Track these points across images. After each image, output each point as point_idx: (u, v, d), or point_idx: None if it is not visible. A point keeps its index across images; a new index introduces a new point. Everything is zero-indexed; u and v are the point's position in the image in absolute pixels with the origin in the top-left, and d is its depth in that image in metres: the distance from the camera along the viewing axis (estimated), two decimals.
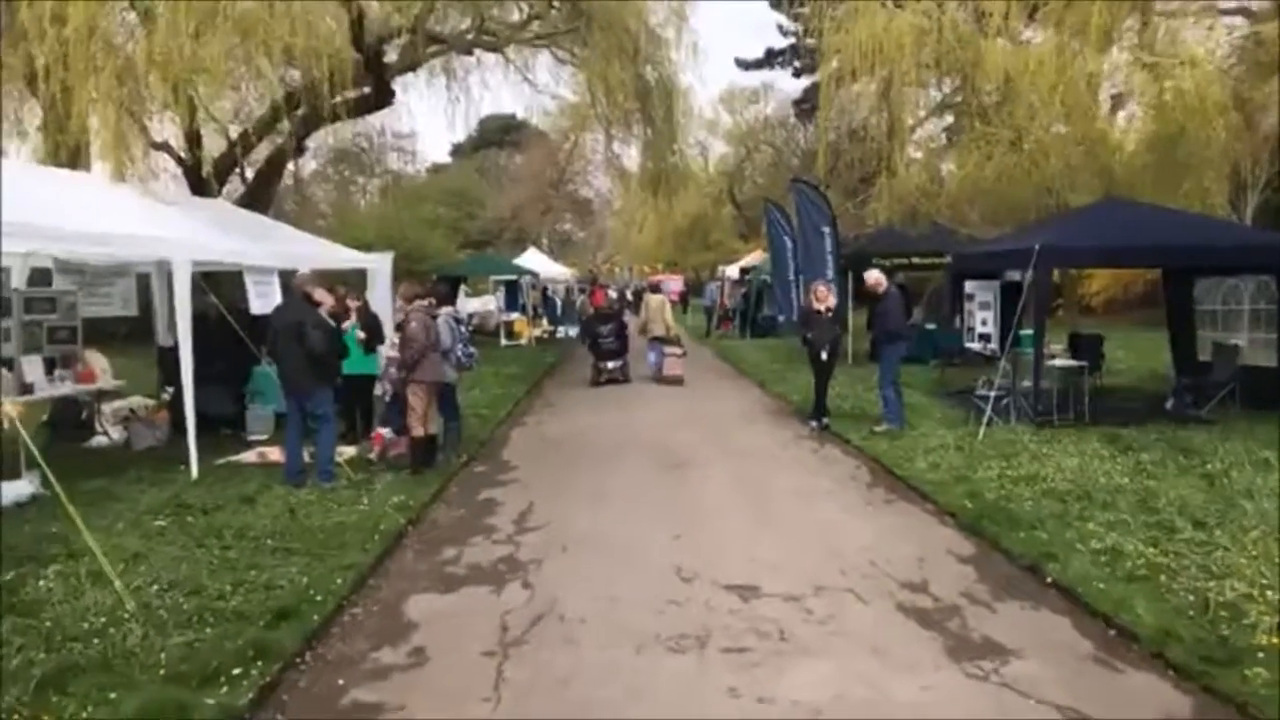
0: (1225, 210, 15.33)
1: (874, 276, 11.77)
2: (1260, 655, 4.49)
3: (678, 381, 17.29)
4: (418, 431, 9.10)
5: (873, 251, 18.85)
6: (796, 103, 45.90)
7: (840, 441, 11.16)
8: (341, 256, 13.76)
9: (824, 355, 11.82)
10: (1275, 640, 4.63)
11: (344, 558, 6.38)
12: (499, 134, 59.12)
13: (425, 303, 9.18)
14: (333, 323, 9.19)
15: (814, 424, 12.13)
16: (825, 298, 11.92)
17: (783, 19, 45.28)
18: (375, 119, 24.76)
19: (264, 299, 9.81)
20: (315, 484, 8.46)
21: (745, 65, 47.92)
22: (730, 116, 50.73)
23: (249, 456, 9.98)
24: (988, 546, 6.69)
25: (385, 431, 9.55)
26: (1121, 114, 17.59)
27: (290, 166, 36.22)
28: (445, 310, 9.65)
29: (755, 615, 5.39)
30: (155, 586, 5.62)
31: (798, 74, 46.22)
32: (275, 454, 9.61)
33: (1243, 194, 18.97)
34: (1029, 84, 14.17)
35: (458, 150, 61.89)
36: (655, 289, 20.76)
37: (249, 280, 9.91)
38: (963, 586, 5.88)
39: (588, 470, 9.74)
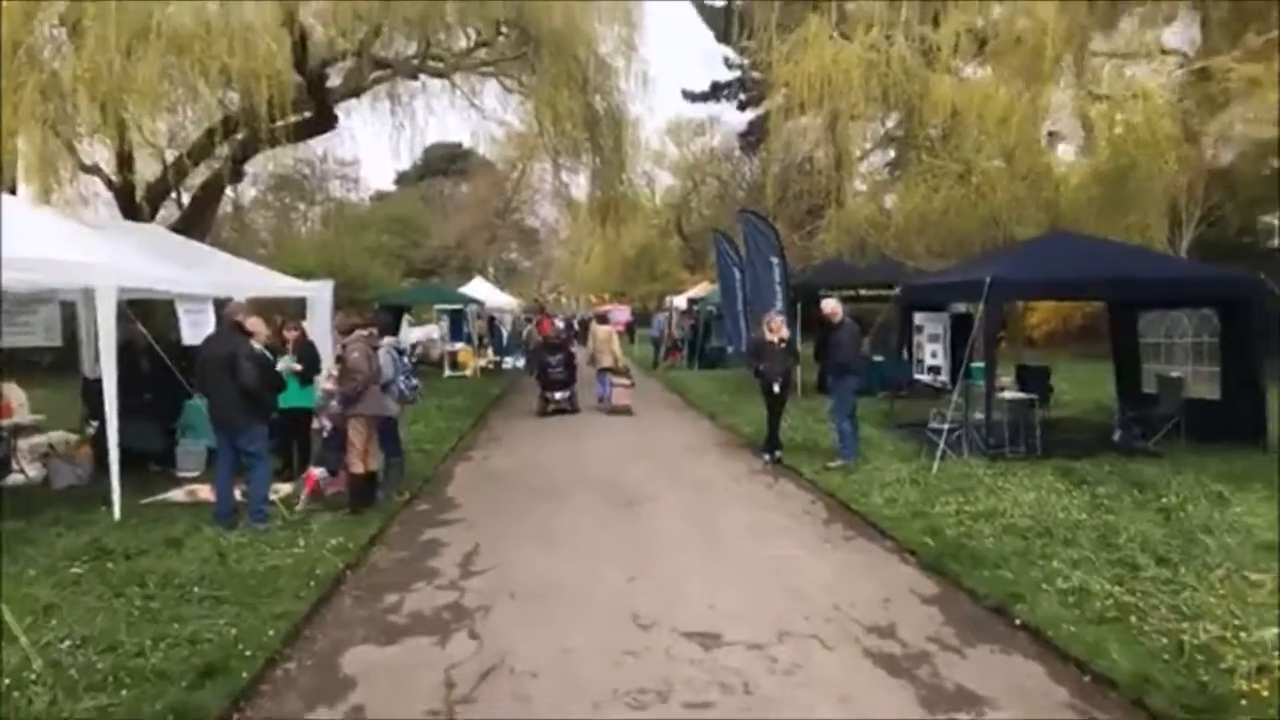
0: (1164, 244, 15.60)
1: (830, 305, 11.64)
2: (1243, 703, 4.33)
3: (626, 411, 17.26)
4: (357, 468, 8.67)
5: (821, 283, 18.80)
6: (742, 135, 46.27)
7: (794, 475, 10.96)
8: (280, 284, 13.29)
9: (776, 387, 11.64)
10: (1255, 686, 4.47)
11: (277, 606, 5.96)
12: (444, 162, 58.62)
13: (366, 332, 8.77)
14: (268, 354, 8.76)
15: (767, 457, 11.93)
16: (779, 329, 11.77)
17: (729, 52, 45.67)
18: (318, 145, 24.38)
19: (197, 328, 9.34)
20: (248, 525, 7.99)
21: (692, 97, 48.17)
22: (676, 148, 51.01)
23: (178, 495, 9.43)
24: (951, 586, 6.50)
25: (318, 472, 9.02)
26: (1061, 148, 17.88)
27: (230, 193, 35.56)
28: (387, 341, 9.26)
29: (718, 665, 5.10)
30: (67, 642, 5.14)
31: (743, 107, 46.55)
32: (206, 492, 9.10)
33: (1178, 229, 19.39)
34: (976, 117, 14.27)
35: (402, 178, 61.26)
36: (603, 319, 20.75)
37: (180, 309, 9.43)
38: (930, 630, 5.66)
39: (536, 507, 9.38)
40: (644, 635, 5.57)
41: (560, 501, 9.64)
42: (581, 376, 18.44)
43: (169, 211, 21.55)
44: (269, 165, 27.06)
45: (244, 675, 4.88)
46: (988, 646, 5.37)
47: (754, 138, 45.00)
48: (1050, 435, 12.00)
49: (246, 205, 42.90)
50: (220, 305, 9.71)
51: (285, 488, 9.65)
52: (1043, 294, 13.17)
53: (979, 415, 11.86)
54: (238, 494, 8.28)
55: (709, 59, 76.99)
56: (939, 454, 10.63)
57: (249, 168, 27.58)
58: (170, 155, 18.96)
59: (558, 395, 17.48)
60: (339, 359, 8.87)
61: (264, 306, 13.20)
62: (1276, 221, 23.29)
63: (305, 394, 10.41)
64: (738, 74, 46.26)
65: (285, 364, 10.14)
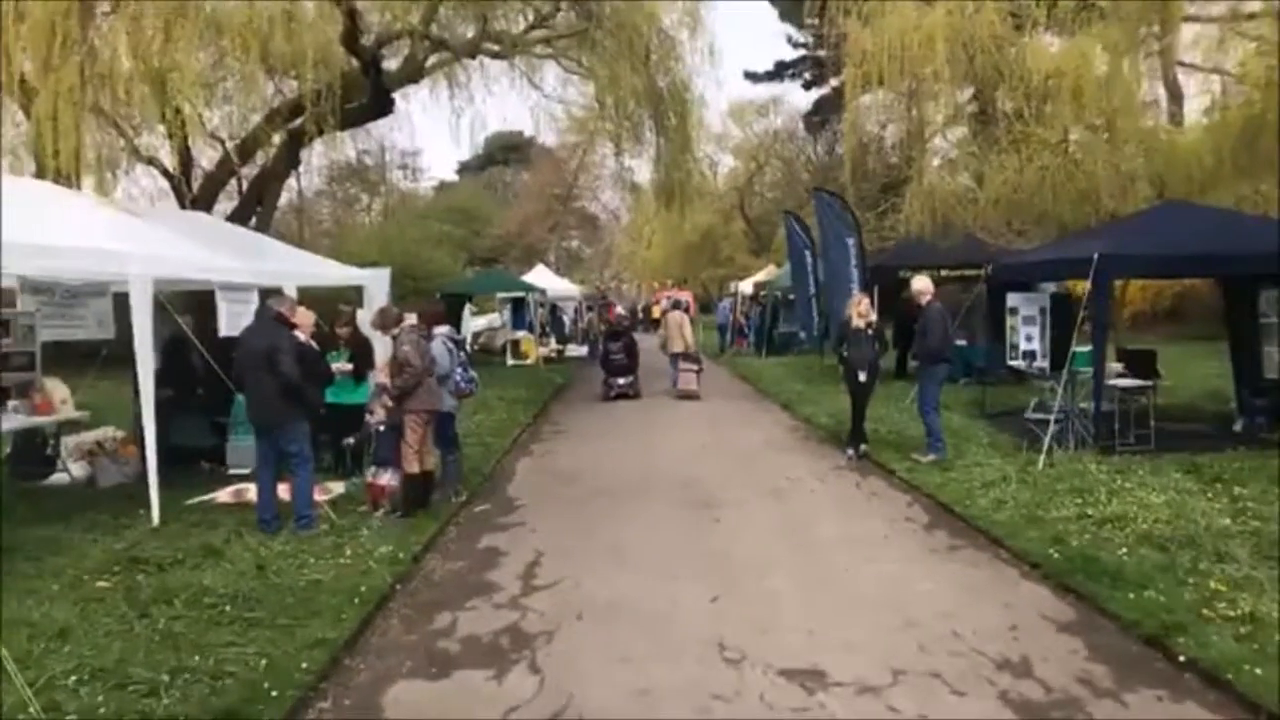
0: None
1: (920, 284, 10.66)
2: None
3: (694, 397, 17.31)
4: (412, 467, 8.00)
5: (899, 263, 17.79)
6: (806, 115, 44.86)
7: (883, 473, 10.04)
8: (334, 273, 12.72)
9: (863, 376, 10.70)
10: None
11: (315, 629, 5.28)
12: (506, 151, 58.35)
13: (411, 323, 8.07)
14: (314, 346, 8.13)
15: (851, 452, 11.02)
16: (866, 312, 10.81)
17: (792, 30, 44.40)
18: (377, 132, 23.79)
19: (239, 319, 8.75)
20: (293, 531, 7.38)
21: (755, 78, 46.96)
22: (739, 130, 49.72)
23: (224, 495, 8.85)
24: (1089, 609, 5.55)
25: (385, 476, 8.30)
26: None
27: (292, 183, 35.54)
28: (441, 330, 8.55)
29: (825, 716, 4.26)
30: (74, 677, 4.51)
31: (808, 86, 45.21)
32: (253, 492, 8.44)
33: None
34: (1072, 83, 13.04)
35: (464, 168, 61.28)
36: (676, 306, 20.44)
37: (220, 299, 8.87)
38: (1074, 667, 4.75)
39: (602, 511, 8.62)
40: (733, 672, 4.75)
41: (629, 503, 8.86)
42: (645, 364, 18.47)
43: (226, 205, 21.28)
44: (330, 154, 26.59)
45: None
46: (1151, 692, 4.45)
47: (819, 118, 43.71)
48: (1163, 426, 10.86)
49: (311, 197, 43.03)
50: (266, 295, 9.15)
51: (337, 487, 9.09)
52: (1156, 271, 11.98)
53: (1084, 404, 10.81)
54: (284, 494, 7.67)
55: (772, 39, 75.35)
56: (1045, 448, 9.62)
57: (309, 157, 27.39)
58: (229, 146, 18.75)
59: (620, 381, 17.68)
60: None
61: (320, 297, 12.78)
62: None
63: (359, 390, 9.81)
64: (802, 52, 44.97)
65: (337, 364, 9.56)
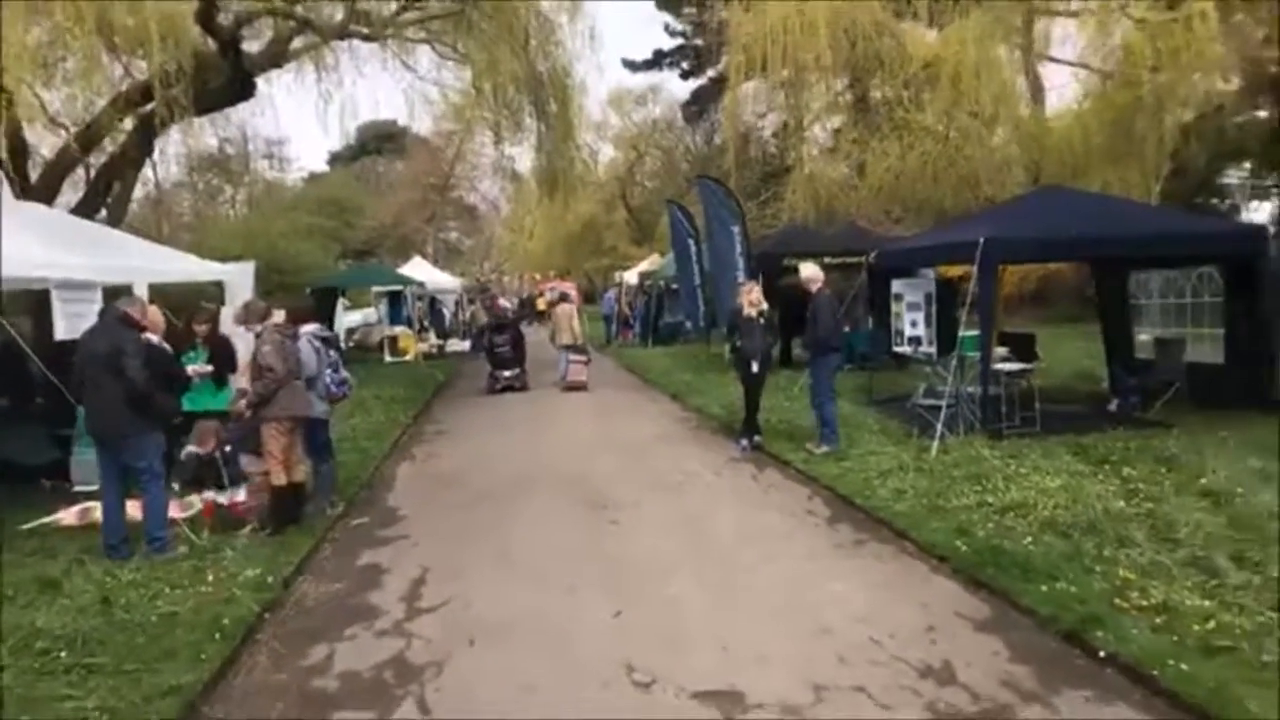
0: (1150, 199, 14.71)
1: (810, 271, 10.49)
2: None
3: (582, 388, 17.34)
4: (279, 479, 7.31)
5: (783, 251, 17.77)
6: (685, 105, 44.88)
7: (779, 464, 9.83)
8: (192, 268, 11.76)
9: (755, 366, 10.49)
10: None
11: (168, 674, 4.64)
12: (379, 141, 56.54)
13: (276, 321, 7.35)
14: (167, 348, 7.34)
15: (744, 443, 10.80)
16: (757, 301, 10.58)
17: (670, 19, 44.31)
18: (238, 118, 22.39)
19: (78, 320, 7.85)
20: (145, 556, 6.61)
21: (633, 66, 46.74)
22: (619, 119, 49.45)
23: (68, 516, 7.92)
24: (1003, 605, 5.39)
25: (212, 495, 7.53)
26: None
27: (149, 174, 33.30)
28: (308, 328, 7.84)
29: None
30: None
31: (685, 76, 45.28)
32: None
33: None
34: (952, 70, 13.15)
35: (336, 158, 59.08)
36: (564, 299, 20.54)
37: (56, 298, 7.91)
38: (998, 670, 4.55)
39: (492, 517, 8.08)
40: (645, 698, 4.35)
41: (520, 507, 8.35)
42: (533, 356, 18.55)
43: (72, 197, 19.63)
44: (187, 142, 24.89)
45: None
46: (1078, 693, 4.27)
47: (697, 107, 43.82)
48: (1044, 408, 11.03)
49: (169, 187, 40.54)
50: (113, 295, 8.26)
51: (197, 500, 8.29)
52: (1037, 255, 12.17)
53: (970, 389, 10.89)
54: (137, 512, 6.87)
55: (649, 26, 75.14)
56: (938, 434, 9.60)
57: (164, 145, 25.63)
58: (71, 131, 17.25)
59: (505, 374, 17.63)
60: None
61: (177, 295, 11.78)
62: (1238, 181, 22.79)
63: (221, 396, 9.00)
64: (680, 41, 44.97)
65: (194, 367, 8.73)
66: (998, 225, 10.81)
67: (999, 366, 10.81)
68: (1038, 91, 20.28)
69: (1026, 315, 25.85)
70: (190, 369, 8.60)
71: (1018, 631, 5.03)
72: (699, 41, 40.50)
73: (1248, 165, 23.00)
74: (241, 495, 7.48)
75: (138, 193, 34.30)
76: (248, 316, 7.40)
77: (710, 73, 41.37)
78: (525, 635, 5.24)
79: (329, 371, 7.81)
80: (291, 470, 7.44)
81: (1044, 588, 5.36)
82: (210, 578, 6.15)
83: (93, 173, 19.49)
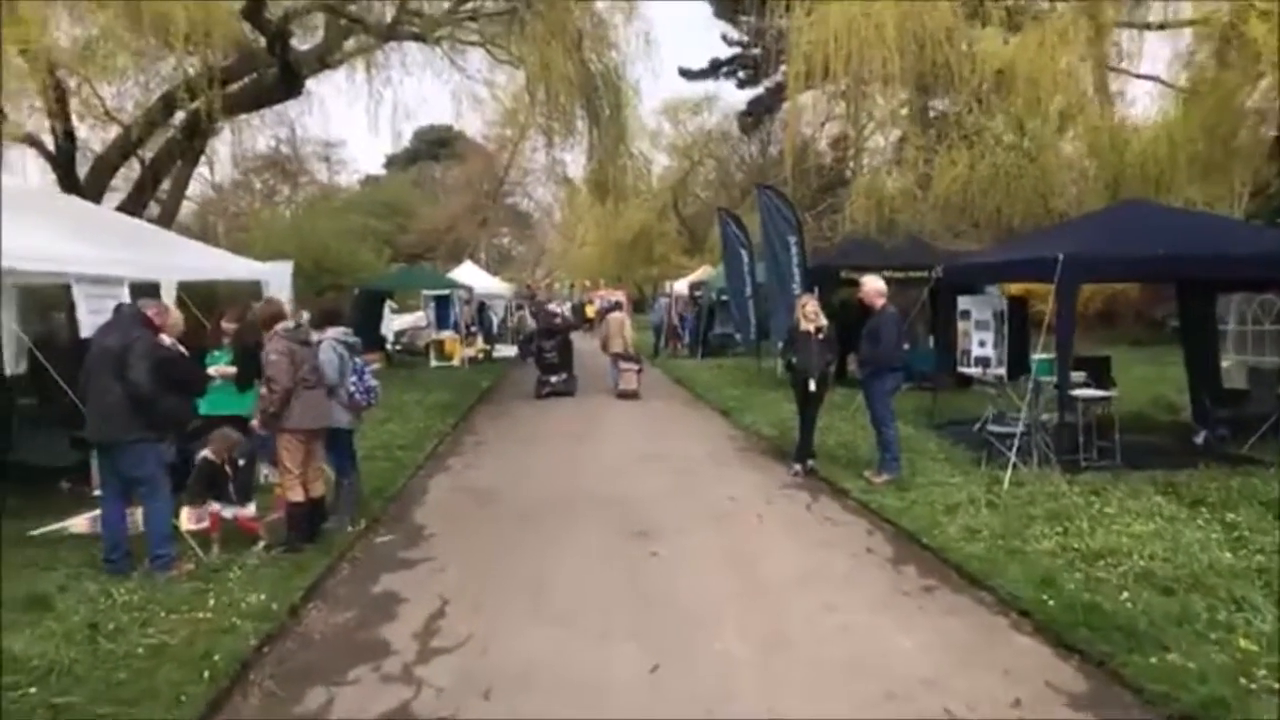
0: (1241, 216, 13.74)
1: (874, 285, 9.74)
2: None
3: (634, 395, 17.35)
4: (294, 495, 6.80)
5: (842, 264, 17.00)
6: (741, 115, 44.18)
7: (835, 493, 9.10)
8: (226, 266, 11.40)
9: (813, 385, 9.79)
10: None
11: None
12: (435, 146, 56.74)
13: (287, 325, 6.82)
14: (181, 349, 6.85)
15: (798, 467, 10.10)
16: (814, 315, 9.89)
17: (728, 28, 43.67)
18: (290, 114, 22.19)
19: (101, 317, 7.42)
20: (147, 573, 6.13)
21: (689, 75, 46.10)
22: (673, 128, 48.86)
23: (79, 523, 7.48)
24: (1103, 677, 4.63)
25: (219, 507, 7.01)
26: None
27: (206, 173, 33.53)
28: (332, 332, 7.31)
29: None
30: None
31: (742, 85, 44.53)
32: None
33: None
34: (1029, 73, 12.32)
35: (392, 162, 59.48)
36: (617, 307, 21.04)
37: (78, 293, 7.52)
38: None
39: (524, 541, 7.48)
40: None
41: (554, 531, 7.74)
42: (587, 364, 19.03)
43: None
44: (240, 141, 24.86)
45: None
46: None
47: (753, 117, 43.10)
48: (1122, 439, 10.17)
49: (227, 186, 40.90)
50: (142, 292, 7.86)
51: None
52: (1119, 274, 11.34)
53: (1045, 416, 10.06)
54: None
55: (705, 35, 74.69)
56: (1010, 465, 8.81)
57: (219, 145, 25.68)
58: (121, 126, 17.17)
59: (553, 379, 17.83)
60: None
61: (211, 294, 11.41)
62: None
63: (245, 399, 8.52)
64: (737, 50, 44.32)
65: (217, 367, 8.27)
66: (1077, 241, 9.99)
67: (1077, 393, 9.97)
68: (1107, 104, 19.36)
69: (1092, 337, 24.73)
70: (212, 369, 8.16)
71: (1122, 712, 4.28)
72: (756, 51, 39.82)
73: None
74: (251, 510, 6.95)
75: (197, 192, 34.81)
76: (257, 320, 6.88)
77: (767, 82, 40.68)
78: (547, 689, 4.60)
79: (353, 378, 7.26)
80: (309, 484, 6.93)
81: (1152, 658, 4.60)
82: (211, 602, 5.64)
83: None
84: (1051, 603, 5.45)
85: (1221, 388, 11.66)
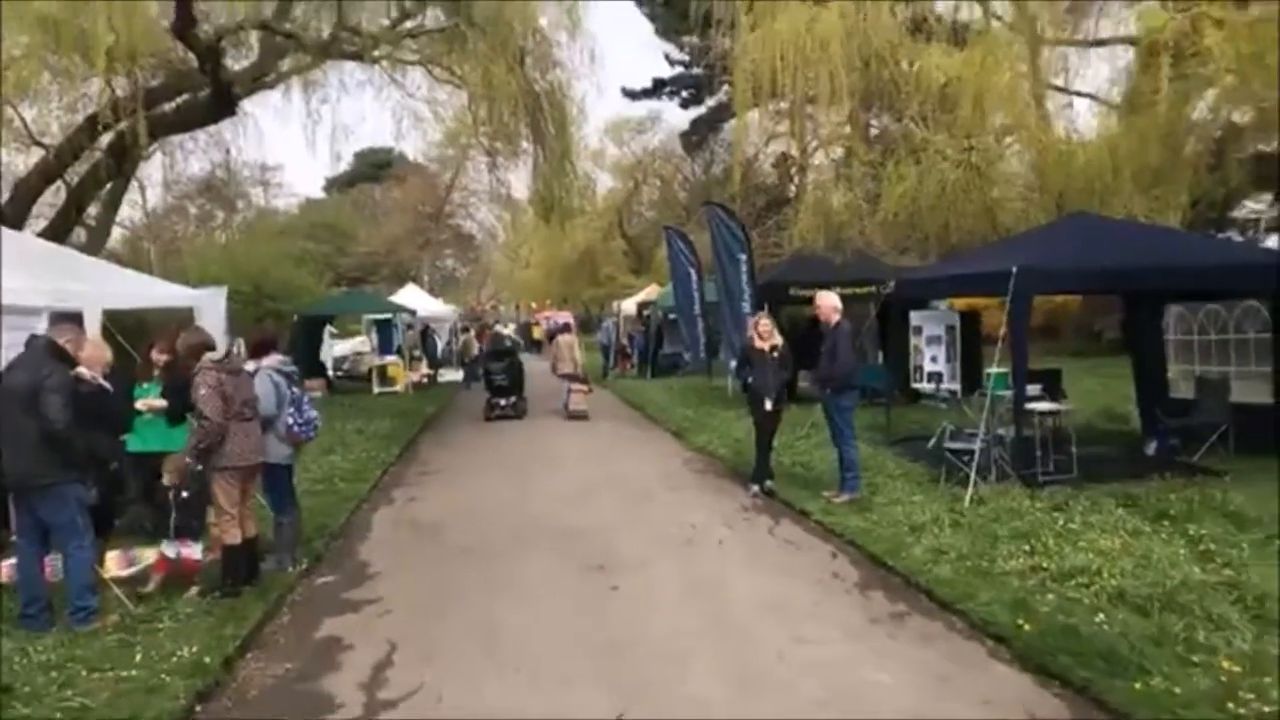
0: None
1: (828, 302, 9.59)
2: None
3: (583, 416, 17.41)
4: (230, 537, 6.37)
5: (790, 280, 16.96)
6: (684, 134, 44.31)
7: (796, 515, 8.89)
8: (156, 293, 10.86)
9: (769, 404, 9.61)
10: None
11: None
12: (375, 168, 55.96)
13: (215, 355, 6.40)
14: (103, 384, 6.38)
15: (756, 489, 9.89)
16: (768, 334, 9.72)
17: (671, 48, 43.81)
18: (225, 136, 21.50)
19: (15, 351, 6.93)
20: (66, 628, 5.66)
21: (632, 95, 46.14)
22: (617, 148, 48.85)
23: None
24: (1088, 707, 4.44)
25: (169, 549, 6.58)
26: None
27: (138, 198, 32.53)
28: (268, 361, 6.91)
29: None
30: None
31: (685, 104, 44.68)
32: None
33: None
34: (975, 88, 12.36)
35: (332, 185, 58.59)
36: (566, 328, 21.85)
37: None
38: None
39: (473, 578, 7.11)
40: None
41: (508, 568, 7.37)
42: (537, 386, 19.17)
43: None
44: (173, 165, 24.10)
45: None
46: None
47: (696, 136, 43.25)
48: (1077, 451, 10.13)
49: (160, 212, 39.77)
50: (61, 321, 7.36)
51: (147, 555, 7.34)
52: (1075, 285, 11.36)
53: (1000, 430, 9.99)
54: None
55: (648, 55, 75.09)
56: (971, 482, 8.69)
57: (151, 169, 24.88)
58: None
59: (502, 402, 17.86)
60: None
61: (134, 324, 10.86)
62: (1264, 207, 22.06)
63: (177, 434, 8.04)
64: (680, 70, 44.47)
65: (146, 400, 7.78)
66: (1028, 254, 9.96)
67: (1032, 406, 9.91)
68: (1042, 121, 19.69)
69: (1033, 350, 24.80)
70: (141, 403, 7.68)
71: None
72: (699, 70, 40.03)
73: (1268, 196, 22.28)
74: (197, 551, 6.52)
75: (130, 217, 33.78)
76: (181, 351, 6.45)
77: (710, 101, 40.90)
78: None
79: (290, 410, 6.85)
80: (245, 524, 6.51)
81: (1136, 684, 4.43)
82: (138, 657, 5.20)
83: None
84: (1027, 627, 5.27)
85: (1168, 398, 11.72)
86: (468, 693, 4.87)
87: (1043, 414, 10.06)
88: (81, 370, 6.11)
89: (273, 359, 6.92)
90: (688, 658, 5.24)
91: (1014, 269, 9.06)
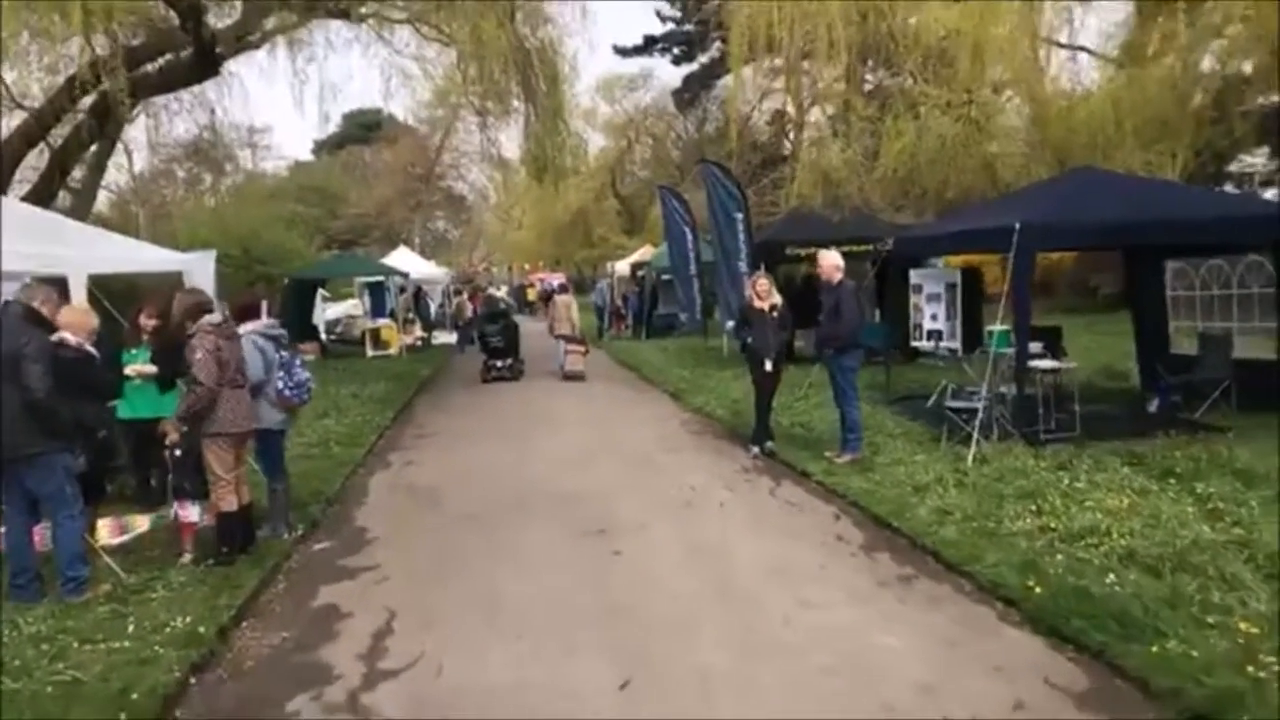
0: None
1: (831, 260, 9.41)
2: None
3: (580, 377, 17.33)
4: (226, 504, 6.24)
5: (787, 238, 16.78)
6: (677, 92, 43.75)
7: (797, 476, 8.79)
8: (143, 258, 10.66)
9: (769, 364, 9.48)
10: None
11: None
12: (364, 129, 55.23)
13: (212, 320, 6.21)
14: (90, 350, 6.19)
15: (756, 450, 9.80)
16: (766, 293, 9.57)
17: (662, 4, 43.11)
18: (210, 97, 21.05)
19: None
20: (57, 599, 5.55)
21: (624, 52, 45.47)
22: (609, 106, 48.16)
23: None
24: (1104, 671, 4.35)
25: (194, 511, 6.47)
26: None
27: (124, 162, 32.00)
28: (254, 325, 6.72)
29: None
30: None
31: (677, 61, 44.06)
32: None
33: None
34: (973, 40, 12.09)
35: (321, 147, 57.87)
36: (564, 289, 21.48)
37: None
38: None
39: (473, 543, 7.01)
40: None
41: (507, 532, 7.27)
42: (534, 345, 19.16)
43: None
44: (158, 127, 23.64)
45: None
46: None
47: (689, 94, 42.70)
48: (1079, 409, 10.03)
49: (148, 176, 39.23)
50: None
51: (139, 523, 7.23)
52: (1078, 241, 11.20)
53: (1003, 389, 9.88)
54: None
55: (639, 12, 73.69)
56: (974, 441, 8.58)
57: (136, 132, 24.40)
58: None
59: (498, 364, 17.77)
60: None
61: (124, 288, 10.66)
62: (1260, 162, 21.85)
63: (168, 400, 7.88)
64: (671, 26, 43.78)
65: (135, 366, 7.60)
66: (1030, 210, 9.76)
67: (1035, 363, 9.79)
68: (1038, 75, 19.40)
69: (1037, 306, 24.91)
70: (130, 369, 7.51)
71: (1129, 709, 4.00)
72: (691, 27, 39.40)
73: (1265, 150, 22.04)
74: (193, 514, 6.40)
75: (117, 181, 33.28)
76: (174, 315, 6.27)
77: (702, 58, 40.35)
78: (510, 714, 4.17)
79: (280, 374, 6.69)
80: (240, 491, 6.38)
81: (1153, 647, 4.33)
82: (131, 628, 5.08)
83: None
84: (1037, 589, 5.17)
85: (1169, 355, 11.62)
86: (469, 662, 4.77)
87: (1044, 372, 9.96)
88: (65, 335, 5.92)
89: (257, 323, 6.73)
90: (692, 624, 5.15)
91: (1017, 225, 8.89)
